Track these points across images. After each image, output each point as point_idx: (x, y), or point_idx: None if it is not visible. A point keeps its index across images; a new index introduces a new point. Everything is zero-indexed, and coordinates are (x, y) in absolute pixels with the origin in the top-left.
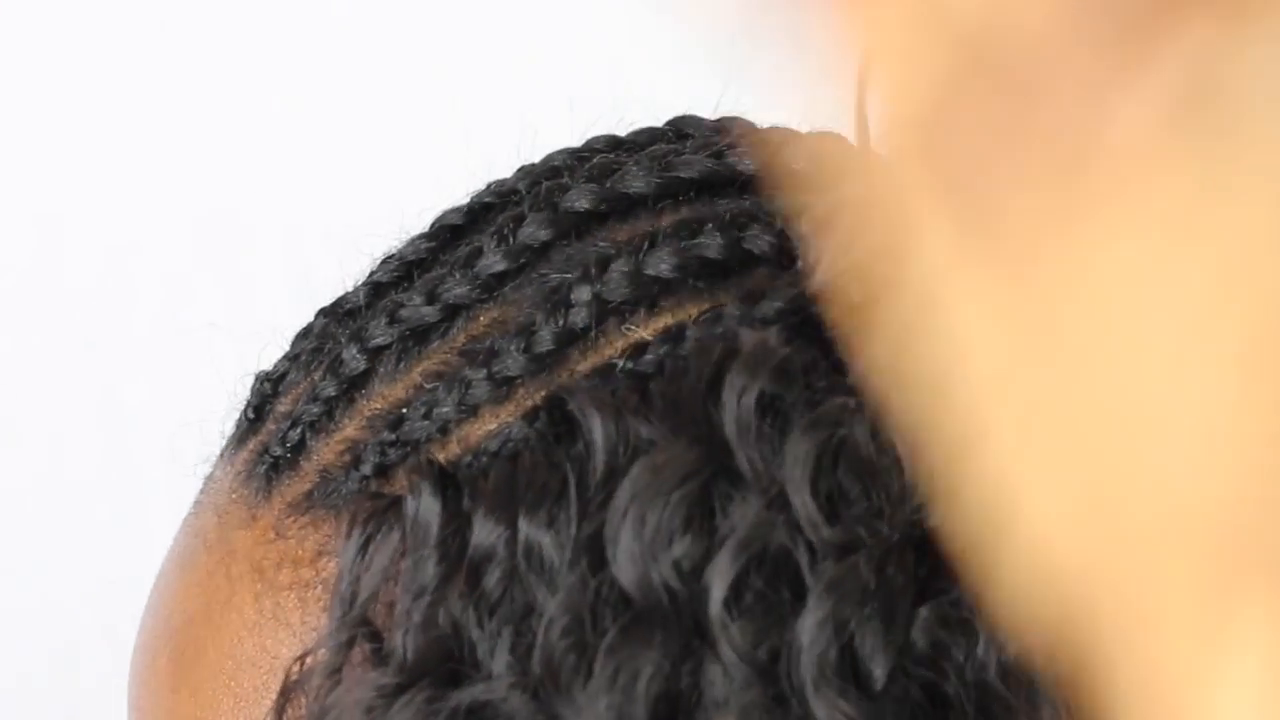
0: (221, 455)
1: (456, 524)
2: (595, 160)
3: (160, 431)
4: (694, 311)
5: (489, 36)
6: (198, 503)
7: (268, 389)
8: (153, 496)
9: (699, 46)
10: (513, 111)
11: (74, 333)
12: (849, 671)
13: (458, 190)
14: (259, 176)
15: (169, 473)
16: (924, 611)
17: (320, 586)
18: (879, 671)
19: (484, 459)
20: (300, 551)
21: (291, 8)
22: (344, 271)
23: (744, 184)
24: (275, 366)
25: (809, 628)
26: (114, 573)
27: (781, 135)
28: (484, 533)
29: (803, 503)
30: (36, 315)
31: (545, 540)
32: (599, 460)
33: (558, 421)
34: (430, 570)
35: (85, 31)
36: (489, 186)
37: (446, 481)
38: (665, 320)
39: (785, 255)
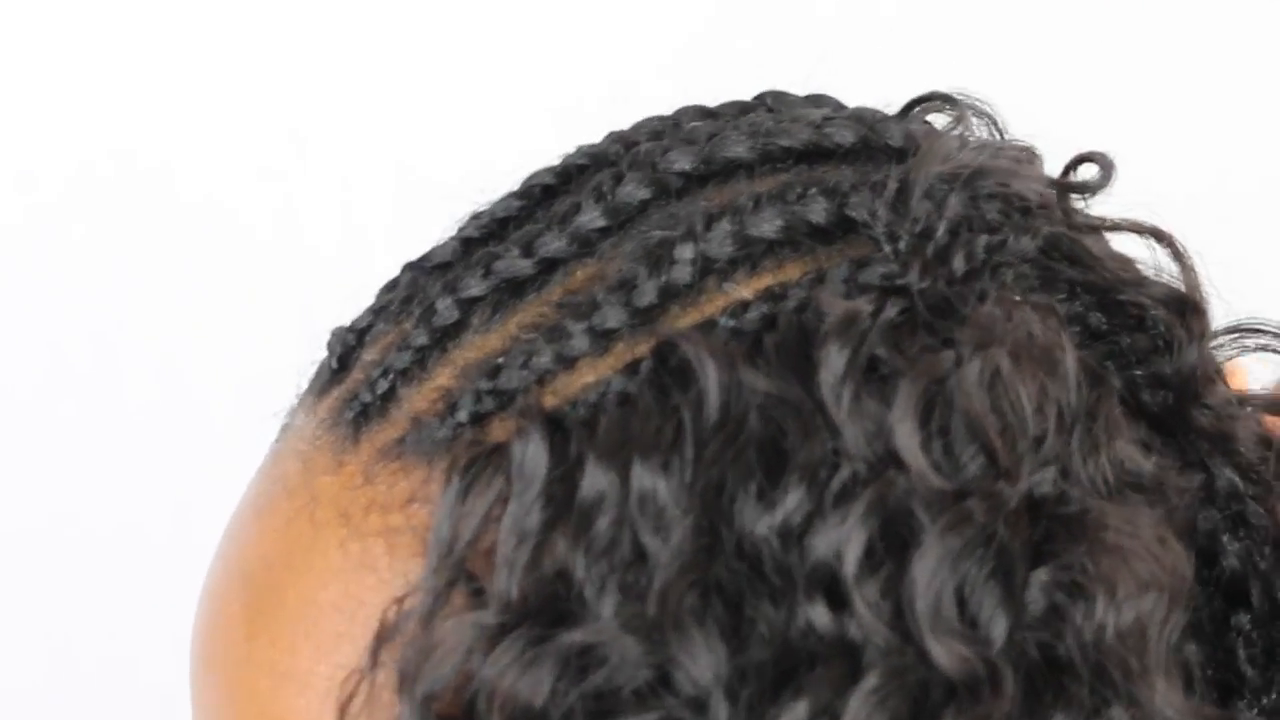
0: (300, 404)
1: (564, 469)
2: (691, 126)
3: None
4: (795, 274)
5: (504, 34)
6: (275, 451)
7: (351, 339)
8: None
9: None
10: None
11: (74, 331)
12: (967, 621)
13: (458, 188)
14: (259, 176)
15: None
16: (1039, 575)
17: (410, 533)
18: (997, 633)
19: (582, 410)
20: (390, 498)
21: (302, 11)
22: (343, 268)
23: (843, 156)
24: (358, 318)
25: (924, 572)
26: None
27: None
28: (594, 478)
29: (914, 458)
30: (38, 313)
31: (660, 487)
32: (712, 408)
33: (668, 370)
34: (536, 514)
35: (88, 31)
36: (578, 149)
37: (554, 427)
38: (766, 281)
39: (889, 225)
